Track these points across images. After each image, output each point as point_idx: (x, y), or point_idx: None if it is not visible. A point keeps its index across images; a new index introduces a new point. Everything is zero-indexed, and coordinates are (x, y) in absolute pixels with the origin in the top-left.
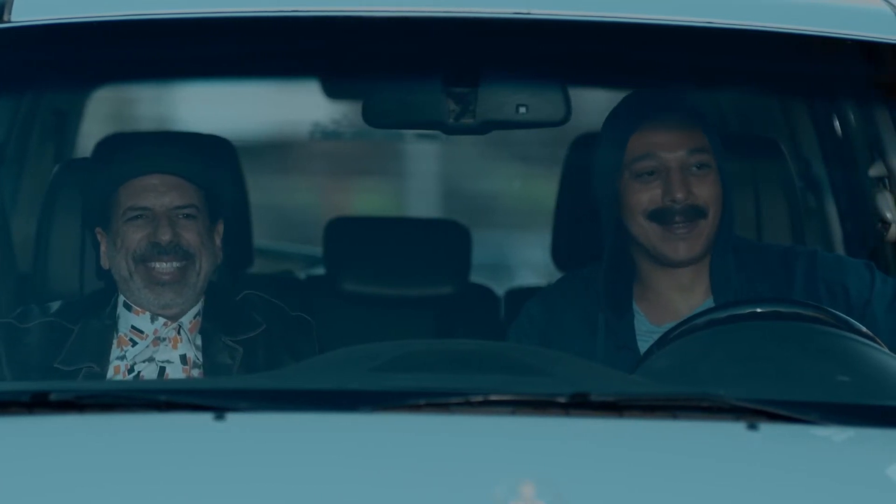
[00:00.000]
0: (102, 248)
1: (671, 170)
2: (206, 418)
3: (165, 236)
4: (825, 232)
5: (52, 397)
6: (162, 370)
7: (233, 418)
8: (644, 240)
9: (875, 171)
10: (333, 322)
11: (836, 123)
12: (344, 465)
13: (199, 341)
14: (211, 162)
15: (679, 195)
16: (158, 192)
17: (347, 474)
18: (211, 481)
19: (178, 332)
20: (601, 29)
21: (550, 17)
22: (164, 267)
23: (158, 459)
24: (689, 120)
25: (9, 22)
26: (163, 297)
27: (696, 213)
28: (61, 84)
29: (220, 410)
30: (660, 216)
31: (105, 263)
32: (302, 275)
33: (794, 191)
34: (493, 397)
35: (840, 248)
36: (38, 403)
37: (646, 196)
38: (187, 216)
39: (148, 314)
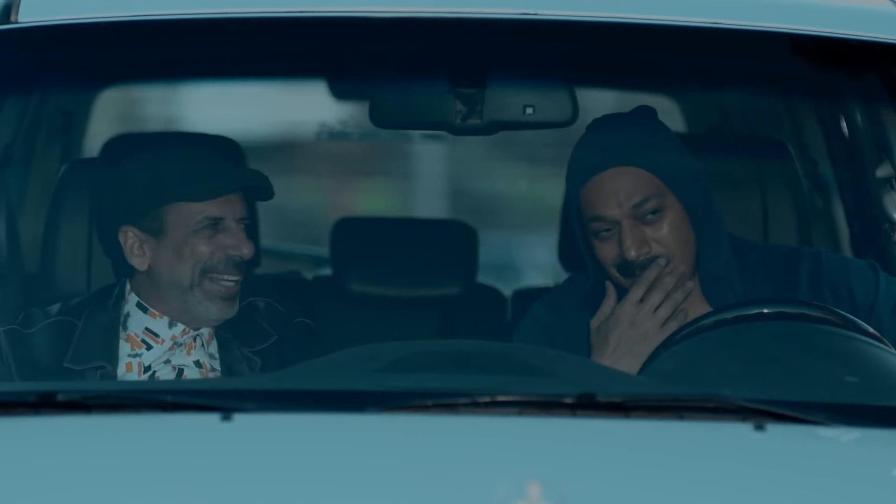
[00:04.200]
0: (131, 245)
1: (622, 226)
2: (212, 419)
3: (248, 251)
4: (832, 233)
5: (59, 398)
6: (179, 373)
7: (239, 419)
8: (624, 285)
9: (882, 171)
10: (340, 323)
11: (844, 124)
12: (350, 465)
13: (212, 349)
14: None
15: (632, 253)
16: (230, 203)
17: (354, 475)
18: (218, 482)
19: (195, 340)
20: (608, 30)
21: (558, 17)
22: (229, 281)
23: (165, 460)
24: (635, 165)
25: (16, 23)
26: (224, 311)
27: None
28: (68, 84)
29: (226, 411)
30: (624, 270)
31: (141, 265)
32: (308, 275)
33: (801, 192)
34: (500, 398)
35: (847, 250)
36: (44, 404)
37: (608, 253)
38: (247, 228)
39: (166, 318)
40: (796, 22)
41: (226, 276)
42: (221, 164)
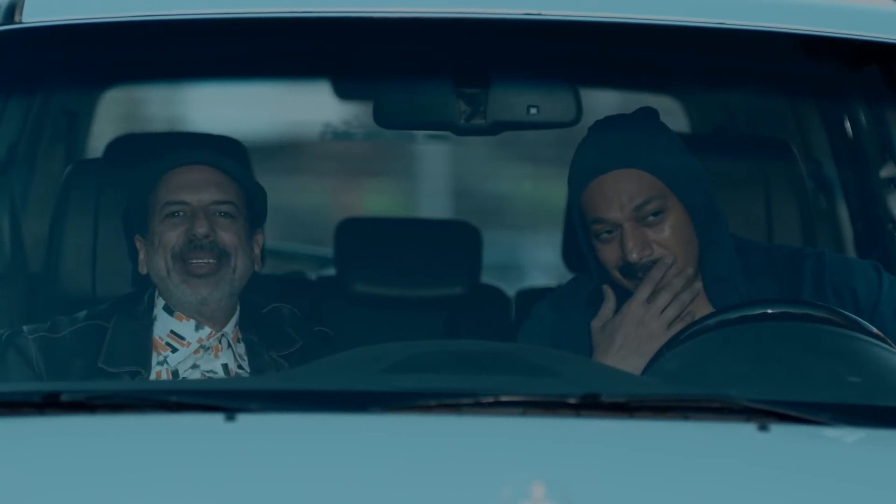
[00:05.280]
0: (141, 255)
1: (623, 228)
2: (216, 419)
3: (201, 229)
4: (836, 233)
5: (64, 398)
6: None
7: (243, 419)
8: (626, 287)
9: (886, 172)
10: (344, 323)
11: (848, 125)
12: (354, 465)
13: (240, 351)
14: (250, 165)
15: (634, 255)
16: (197, 187)
17: (357, 475)
18: (221, 482)
19: (220, 341)
20: (612, 30)
21: (561, 17)
22: (199, 262)
23: (169, 460)
24: (636, 167)
25: (20, 23)
26: (199, 291)
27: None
28: (72, 85)
29: (230, 411)
30: (627, 272)
31: (143, 269)
32: (312, 276)
33: (804, 192)
34: (504, 398)
35: (851, 250)
36: (49, 404)
37: (610, 255)
38: (225, 214)
39: (192, 322)
40: (799, 22)
41: (191, 258)
42: (184, 143)
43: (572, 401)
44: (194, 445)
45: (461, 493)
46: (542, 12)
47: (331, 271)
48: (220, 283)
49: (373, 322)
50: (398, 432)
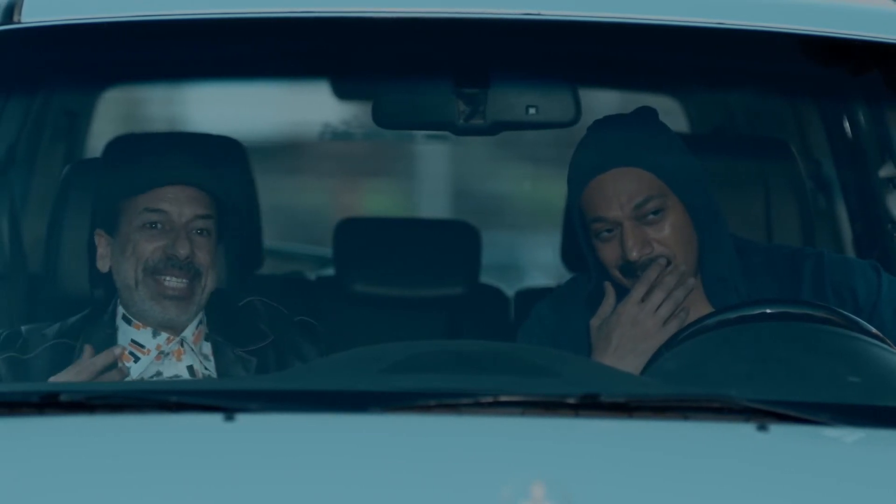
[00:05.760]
0: (100, 250)
1: (623, 227)
2: (215, 419)
3: (183, 250)
4: (835, 234)
5: (63, 398)
6: None
7: (243, 419)
8: (626, 286)
9: (886, 172)
10: (343, 323)
11: (847, 125)
12: (353, 465)
13: (205, 350)
14: (230, 176)
15: (634, 254)
16: (178, 201)
17: (357, 475)
18: (221, 482)
19: (182, 345)
20: (612, 30)
21: (561, 17)
22: (173, 282)
23: (168, 460)
24: (636, 166)
25: (19, 23)
26: (167, 311)
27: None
28: (72, 85)
29: (229, 411)
30: (626, 271)
31: (103, 267)
32: (312, 276)
33: (804, 192)
34: (503, 398)
35: (850, 250)
36: (48, 404)
37: (610, 253)
38: (201, 231)
39: (149, 329)
40: (799, 22)
41: (166, 277)
42: (168, 158)
43: (572, 401)
44: (193, 445)
45: (461, 493)
46: (542, 12)
47: (330, 271)
48: (189, 305)
49: (373, 322)
50: (398, 432)
